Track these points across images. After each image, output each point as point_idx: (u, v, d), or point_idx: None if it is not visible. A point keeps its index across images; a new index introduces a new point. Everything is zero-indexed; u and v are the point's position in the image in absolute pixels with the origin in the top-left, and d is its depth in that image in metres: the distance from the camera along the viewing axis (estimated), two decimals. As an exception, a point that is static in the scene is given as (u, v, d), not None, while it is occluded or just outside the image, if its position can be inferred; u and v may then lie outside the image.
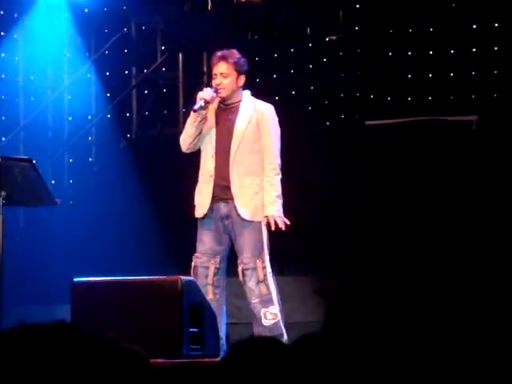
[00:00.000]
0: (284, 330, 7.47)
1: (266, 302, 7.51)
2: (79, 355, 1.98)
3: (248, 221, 7.58)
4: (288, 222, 7.53)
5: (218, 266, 7.64)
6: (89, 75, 12.61)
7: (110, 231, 10.32)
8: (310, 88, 11.88)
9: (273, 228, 7.50)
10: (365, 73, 11.55)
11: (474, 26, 11.16)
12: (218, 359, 7.03)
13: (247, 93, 7.84)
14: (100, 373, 2.02)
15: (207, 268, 7.62)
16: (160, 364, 6.20)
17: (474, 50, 11.26)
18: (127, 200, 10.50)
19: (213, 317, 7.32)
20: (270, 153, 7.66)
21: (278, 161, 7.68)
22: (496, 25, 11.09)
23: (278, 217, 7.53)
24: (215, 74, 7.76)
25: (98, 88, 12.61)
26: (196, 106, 7.62)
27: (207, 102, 7.62)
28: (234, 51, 7.95)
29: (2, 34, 12.53)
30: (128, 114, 12.55)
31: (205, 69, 11.89)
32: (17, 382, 1.97)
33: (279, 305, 7.54)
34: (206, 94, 7.66)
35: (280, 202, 7.59)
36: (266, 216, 7.51)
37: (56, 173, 12.22)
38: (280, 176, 7.68)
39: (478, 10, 11.09)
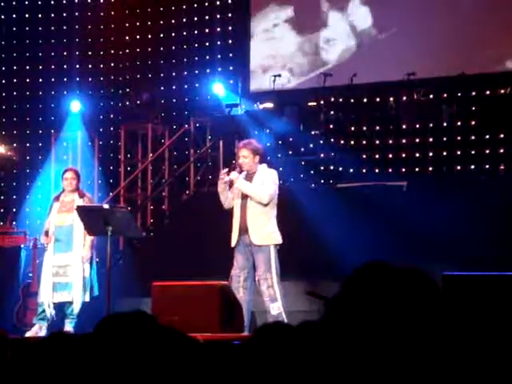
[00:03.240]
0: (285, 317, 7.37)
1: (273, 299, 7.40)
2: (152, 337, 1.91)
3: (259, 245, 7.48)
4: (226, 178, 7.43)
5: (246, 275, 7.51)
6: (164, 154, 12.65)
7: (176, 251, 10.26)
8: (302, 163, 11.86)
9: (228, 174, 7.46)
10: (336, 155, 11.55)
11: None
12: (244, 334, 6.98)
13: (264, 166, 7.69)
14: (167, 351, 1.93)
15: (239, 277, 7.50)
16: (206, 337, 6.13)
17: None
18: (188, 233, 10.45)
19: (240, 307, 7.25)
20: (266, 183, 7.39)
21: (267, 193, 7.35)
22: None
23: (231, 178, 7.41)
24: (239, 156, 7.65)
25: (170, 161, 12.65)
26: (221, 178, 7.56)
27: (223, 177, 7.52)
28: (252, 140, 7.83)
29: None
30: (187, 178, 12.56)
31: (235, 150, 11.88)
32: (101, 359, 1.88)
33: (282, 301, 7.44)
34: (232, 175, 7.58)
35: (243, 185, 7.39)
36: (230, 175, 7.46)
37: (142, 216, 12.23)
38: (262, 201, 7.35)
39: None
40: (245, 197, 7.48)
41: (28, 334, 8.29)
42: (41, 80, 13.53)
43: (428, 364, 1.63)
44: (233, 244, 7.48)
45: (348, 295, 1.68)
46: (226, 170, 7.58)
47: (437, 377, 1.63)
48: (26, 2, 13.69)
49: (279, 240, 7.44)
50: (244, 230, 7.41)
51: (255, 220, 7.40)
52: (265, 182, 7.45)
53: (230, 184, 7.54)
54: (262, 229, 7.39)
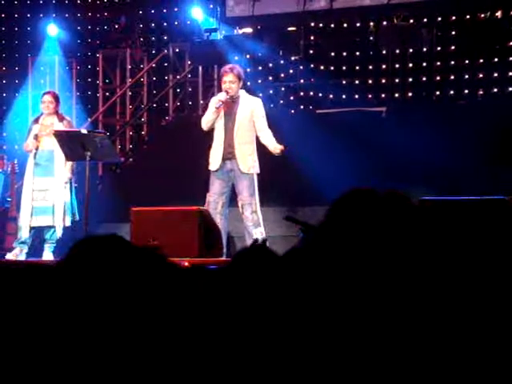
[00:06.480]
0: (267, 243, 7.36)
1: (257, 224, 7.42)
2: (126, 258, 1.85)
3: (245, 173, 7.46)
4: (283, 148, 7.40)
5: (223, 201, 7.51)
6: (142, 79, 12.48)
7: (155, 176, 10.20)
8: (282, 89, 11.74)
9: (279, 151, 7.35)
10: (316, 80, 11.45)
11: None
12: (223, 258, 6.97)
13: (243, 91, 7.66)
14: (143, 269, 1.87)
15: (217, 203, 7.49)
16: (187, 261, 6.12)
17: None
18: (166, 158, 10.37)
19: (219, 232, 7.22)
20: (265, 127, 7.51)
21: (269, 131, 7.54)
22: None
23: (280, 148, 7.42)
24: (225, 81, 7.58)
25: (149, 87, 12.49)
26: (217, 105, 7.46)
27: (222, 101, 7.46)
28: (237, 65, 7.79)
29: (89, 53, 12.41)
30: (166, 104, 12.42)
31: (215, 76, 11.74)
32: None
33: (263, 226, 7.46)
34: (221, 96, 7.51)
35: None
36: (280, 148, 7.37)
37: (121, 141, 12.13)
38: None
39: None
40: (229, 121, 7.44)
41: (8, 257, 8.27)
42: (16, 2, 13.20)
43: (411, 279, 1.64)
44: (215, 168, 7.45)
45: (334, 221, 1.66)
46: (225, 95, 7.44)
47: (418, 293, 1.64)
48: None
49: (258, 170, 7.46)
50: (229, 156, 7.41)
51: (244, 148, 7.44)
52: (260, 118, 7.45)
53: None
54: (249, 157, 7.46)
